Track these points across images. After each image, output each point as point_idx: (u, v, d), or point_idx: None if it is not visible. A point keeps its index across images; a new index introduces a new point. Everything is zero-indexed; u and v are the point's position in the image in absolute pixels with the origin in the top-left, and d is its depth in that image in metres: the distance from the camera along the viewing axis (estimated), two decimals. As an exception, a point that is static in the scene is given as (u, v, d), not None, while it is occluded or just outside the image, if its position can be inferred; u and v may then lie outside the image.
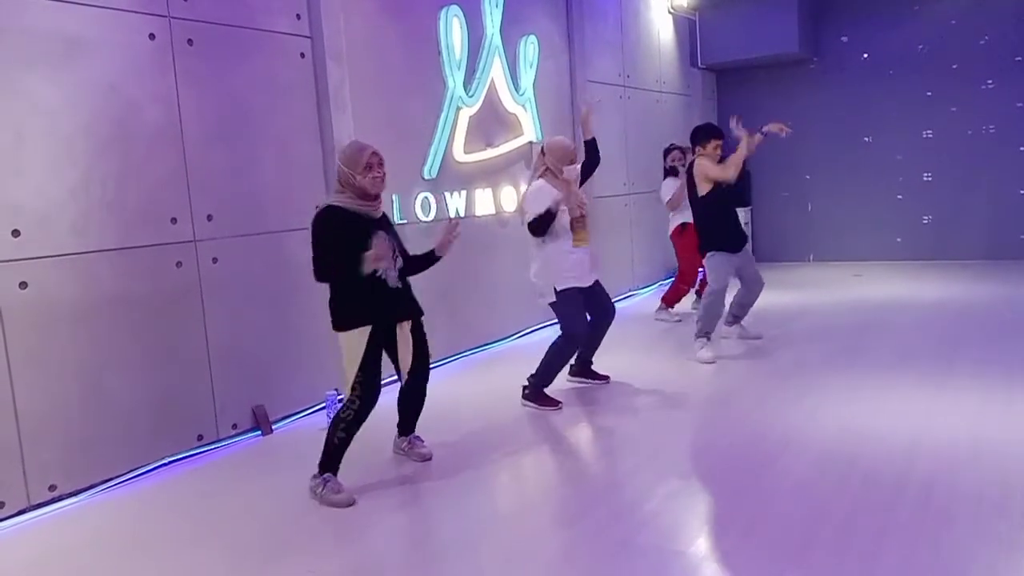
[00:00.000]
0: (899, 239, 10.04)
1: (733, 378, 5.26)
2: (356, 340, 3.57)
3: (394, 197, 5.57)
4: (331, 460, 3.63)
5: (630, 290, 8.86)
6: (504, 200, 6.87)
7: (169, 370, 4.29)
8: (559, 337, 4.88)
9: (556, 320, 4.96)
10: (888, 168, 9.99)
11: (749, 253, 5.84)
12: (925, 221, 9.93)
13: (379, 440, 4.17)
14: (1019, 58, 9.17)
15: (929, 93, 9.66)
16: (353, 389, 3.59)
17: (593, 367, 5.30)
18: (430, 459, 4.07)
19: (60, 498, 3.81)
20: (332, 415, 4.69)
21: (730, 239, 5.65)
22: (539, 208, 4.61)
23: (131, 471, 4.09)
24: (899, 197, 10.00)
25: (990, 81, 9.34)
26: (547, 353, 4.86)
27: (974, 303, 7.17)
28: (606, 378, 5.29)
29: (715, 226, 5.67)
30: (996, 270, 8.83)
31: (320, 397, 4.94)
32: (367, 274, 3.51)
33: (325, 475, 3.60)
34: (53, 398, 3.80)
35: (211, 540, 3.33)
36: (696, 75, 10.44)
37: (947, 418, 4.16)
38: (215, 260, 4.52)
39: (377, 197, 3.66)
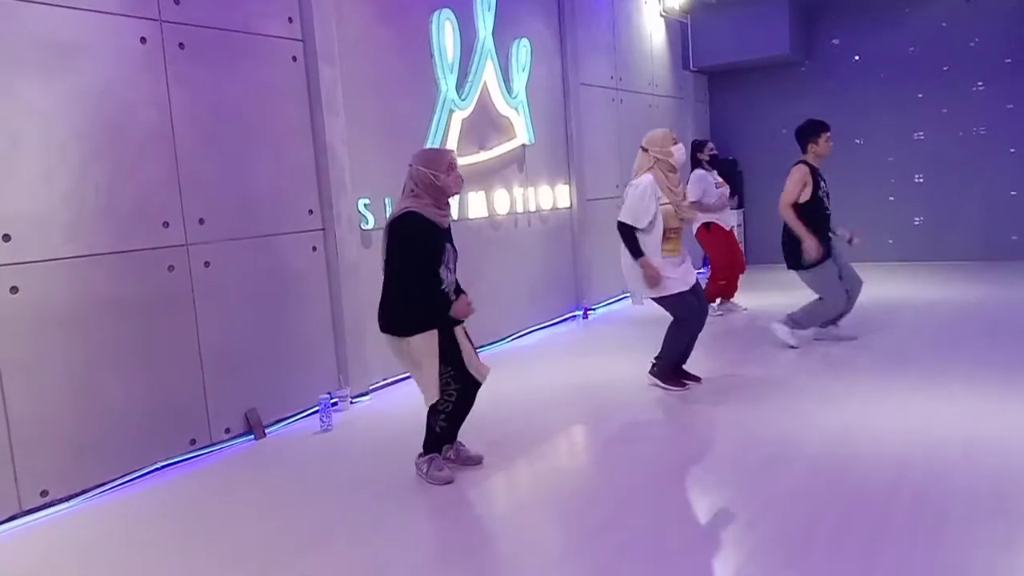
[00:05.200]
0: (891, 240, 10.07)
1: (727, 382, 5.26)
2: (427, 342, 3.62)
3: (387, 200, 5.56)
4: (435, 443, 3.83)
5: (623, 292, 8.86)
6: (497, 203, 6.87)
7: (161, 374, 4.27)
8: (672, 323, 4.96)
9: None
10: (879, 170, 10.03)
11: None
12: (916, 222, 9.97)
13: (367, 441, 4.16)
14: (1009, 60, 9.23)
15: (920, 95, 9.71)
16: (447, 384, 3.70)
17: (684, 367, 5.17)
18: (481, 461, 3.99)
19: (52, 503, 3.79)
20: (325, 419, 4.70)
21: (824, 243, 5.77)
22: (637, 214, 4.68)
23: (123, 476, 4.07)
24: (890, 198, 10.04)
25: (980, 83, 9.39)
26: (665, 337, 4.99)
27: (966, 304, 7.20)
28: (697, 379, 5.13)
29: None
30: (987, 271, 8.87)
31: (313, 401, 4.93)
32: (437, 285, 3.61)
33: (431, 455, 3.80)
34: (45, 403, 3.78)
35: (204, 545, 3.31)
36: (688, 78, 10.47)
37: (942, 419, 4.18)
38: (207, 264, 4.51)
39: (448, 200, 3.72)
